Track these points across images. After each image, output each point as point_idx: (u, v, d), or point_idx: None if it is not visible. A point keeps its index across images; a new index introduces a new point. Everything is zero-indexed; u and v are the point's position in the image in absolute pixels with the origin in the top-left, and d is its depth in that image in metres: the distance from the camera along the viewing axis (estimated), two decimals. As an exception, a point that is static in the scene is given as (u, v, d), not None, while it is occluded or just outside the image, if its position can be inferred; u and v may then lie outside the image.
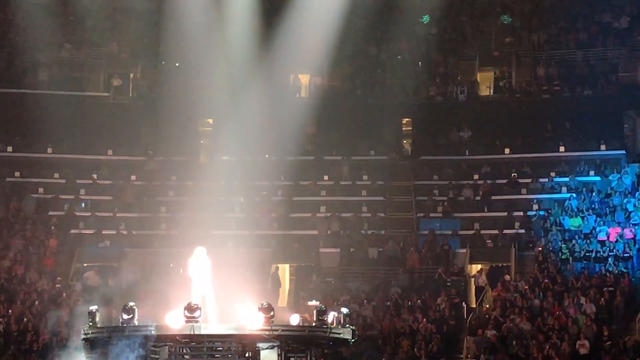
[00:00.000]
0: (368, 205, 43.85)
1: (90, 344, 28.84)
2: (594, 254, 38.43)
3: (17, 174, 44.73)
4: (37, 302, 36.43)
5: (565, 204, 41.85)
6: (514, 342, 33.84)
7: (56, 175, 44.64)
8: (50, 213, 42.92)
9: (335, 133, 42.95)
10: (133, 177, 44.75)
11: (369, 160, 45.52)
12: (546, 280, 37.06)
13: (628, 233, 39.07)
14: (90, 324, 27.88)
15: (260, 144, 44.22)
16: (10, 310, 35.86)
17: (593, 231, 39.86)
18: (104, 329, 27.79)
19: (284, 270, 39.96)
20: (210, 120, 46.50)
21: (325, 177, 44.94)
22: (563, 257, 38.61)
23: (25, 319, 35.19)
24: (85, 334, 28.19)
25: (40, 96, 43.57)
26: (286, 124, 43.68)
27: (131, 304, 27.25)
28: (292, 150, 44.54)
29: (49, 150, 45.14)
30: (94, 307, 28.18)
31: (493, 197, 43.54)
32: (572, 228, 40.45)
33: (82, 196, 44.02)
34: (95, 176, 44.72)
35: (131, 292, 30.63)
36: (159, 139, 44.45)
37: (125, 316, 26.88)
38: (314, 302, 31.63)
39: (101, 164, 45.36)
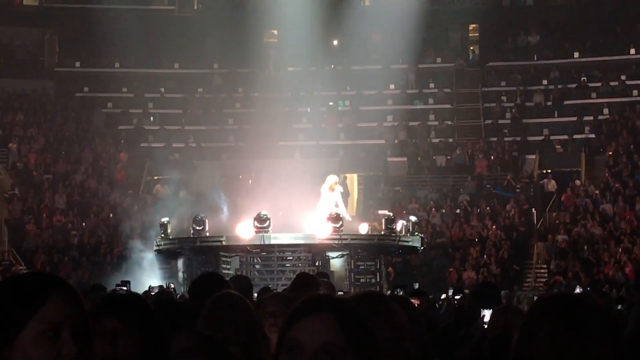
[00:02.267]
0: (435, 113, 43.61)
1: (163, 255, 29.38)
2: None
3: (85, 89, 45.18)
4: (110, 215, 37.06)
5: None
6: (585, 247, 33.69)
7: (124, 89, 45.01)
8: (120, 127, 43.40)
9: (400, 41, 42.50)
10: (200, 90, 44.95)
11: (436, 67, 45.14)
12: (617, 185, 36.69)
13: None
14: (162, 235, 28.34)
15: (326, 54, 44.03)
16: (84, 223, 36.55)
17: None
18: (175, 241, 28.24)
19: (352, 180, 40.02)
20: (275, 31, 46.32)
21: (392, 86, 44.68)
22: (635, 161, 38.12)
23: (99, 232, 35.85)
24: (158, 245, 28.69)
25: (106, 11, 43.69)
26: (351, 32, 43.38)
27: (202, 215, 27.61)
28: (357, 59, 44.29)
29: (116, 64, 45.45)
30: (165, 219, 28.63)
31: (563, 102, 43.00)
32: (644, 131, 39.87)
33: (151, 110, 44.38)
34: (162, 89, 44.99)
35: (201, 204, 30.93)
36: (224, 51, 44.45)
37: (196, 227, 27.27)
38: (382, 211, 31.69)
39: (168, 77, 45.58)
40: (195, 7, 47.34)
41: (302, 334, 2.72)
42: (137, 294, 4.03)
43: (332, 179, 28.31)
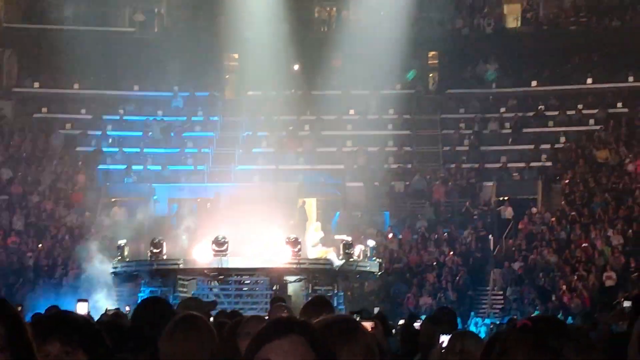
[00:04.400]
0: (394, 139, 43.82)
1: (120, 277, 29.23)
2: (621, 186, 38.32)
3: (44, 109, 44.93)
4: (66, 237, 36.82)
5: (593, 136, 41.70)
6: (540, 275, 33.95)
7: (83, 111, 44.81)
8: (78, 149, 43.16)
9: (360, 67, 42.73)
10: (160, 112, 44.86)
11: (395, 94, 45.38)
12: (573, 213, 37.05)
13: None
14: (119, 258, 28.22)
15: (286, 79, 44.15)
16: (40, 245, 36.28)
17: (620, 163, 39.70)
18: (132, 263, 28.12)
19: (311, 205, 40.08)
20: (236, 55, 46.41)
21: (351, 111, 44.86)
22: (590, 189, 38.52)
23: (55, 254, 35.60)
24: (115, 268, 28.55)
25: (66, 32, 43.55)
26: (312, 58, 43.56)
27: (159, 238, 27.53)
28: (317, 84, 44.46)
29: (76, 86, 45.25)
30: (122, 242, 28.51)
31: (520, 130, 43.37)
32: (600, 160, 40.30)
33: (109, 132, 44.21)
34: (122, 112, 44.85)
35: (159, 228, 30.83)
36: (184, 74, 44.44)
37: (153, 250, 27.18)
38: (340, 236, 31.76)
39: (128, 100, 45.46)
40: (156, 30, 47.29)
41: (273, 355, 2.73)
42: (82, 316, 3.95)
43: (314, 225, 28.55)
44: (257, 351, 2.75)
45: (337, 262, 27.61)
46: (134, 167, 41.96)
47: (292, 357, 2.72)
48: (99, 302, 27.31)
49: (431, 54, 47.32)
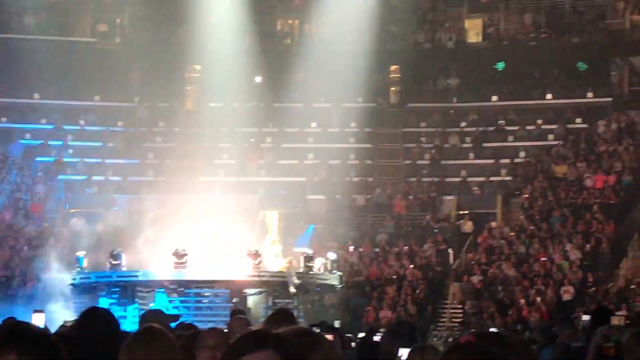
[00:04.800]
0: (356, 152, 43.93)
1: (78, 289, 29.06)
2: (579, 201, 38.64)
3: (4, 119, 44.60)
4: (25, 247, 36.54)
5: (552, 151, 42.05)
6: (499, 288, 34.14)
7: (43, 121, 44.54)
8: (38, 159, 42.87)
9: (322, 80, 42.83)
10: (120, 123, 44.69)
11: (357, 107, 45.51)
12: (532, 227, 37.31)
13: (612, 180, 39.29)
14: (79, 269, 28.06)
15: (248, 91, 44.15)
16: (-2, 256, 35.98)
17: (579, 178, 40.05)
18: (91, 275, 27.98)
19: (272, 217, 40.05)
20: (198, 67, 46.35)
21: (313, 124, 44.94)
22: (549, 204, 38.82)
23: (12, 265, 35.31)
24: (74, 279, 28.40)
25: (26, 41, 43.31)
26: (274, 70, 43.62)
27: (119, 249, 27.43)
28: (280, 96, 44.50)
29: (36, 95, 44.97)
30: (81, 253, 28.36)
31: (481, 145, 43.64)
32: (559, 175, 40.63)
33: (70, 142, 43.96)
34: (82, 122, 44.63)
35: (119, 238, 30.70)
36: (146, 85, 44.31)
37: (112, 262, 27.07)
38: (301, 249, 31.79)
39: (89, 110, 45.24)
40: (118, 40, 47.11)
41: None
42: (39, 327, 3.90)
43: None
44: None
45: (293, 285, 27.59)
46: (95, 178, 41.77)
47: None
48: (57, 313, 27.12)
49: (393, 67, 47.51)
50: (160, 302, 26.68)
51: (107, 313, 6.41)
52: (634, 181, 38.93)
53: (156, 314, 9.25)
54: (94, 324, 5.93)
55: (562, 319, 13.85)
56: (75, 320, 6.40)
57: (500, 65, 44.86)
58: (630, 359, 7.15)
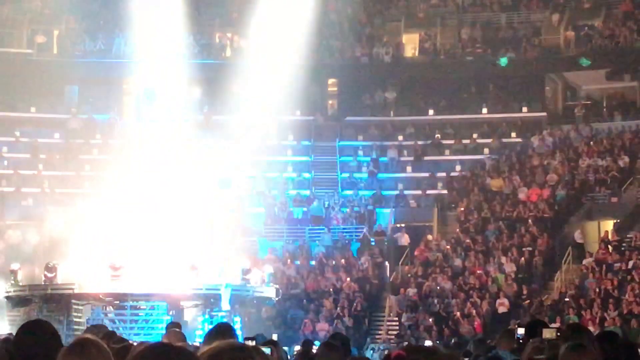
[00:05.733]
0: (293, 165, 44.02)
1: (12, 302, 28.76)
2: (514, 214, 39.07)
3: (-63, 130, 44.03)
4: (-42, 261, 36.06)
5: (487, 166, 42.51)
6: (435, 301, 34.40)
7: (-23, 132, 44.02)
8: (-28, 171, 42.38)
9: (260, 93, 42.86)
10: (56, 135, 44.31)
11: (294, 120, 45.61)
12: (468, 240, 37.66)
13: (546, 194, 39.80)
14: (12, 282, 27.78)
15: (186, 103, 44.00)
16: None
17: (514, 192, 40.50)
18: (26, 287, 27.72)
19: (211, 228, 39.93)
20: (135, 78, 46.06)
21: (251, 137, 44.86)
22: (484, 217, 39.20)
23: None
24: (7, 292, 28.10)
25: (-38, 52, 42.83)
26: (212, 83, 43.56)
27: (54, 262, 27.21)
28: (218, 109, 44.42)
29: (-30, 107, 44.46)
30: (15, 266, 28.08)
31: (417, 158, 43.97)
32: (494, 189, 41.05)
33: (4, 154, 43.47)
34: (17, 133, 44.18)
35: (54, 251, 30.45)
36: (83, 97, 44.00)
37: (47, 274, 26.85)
38: (238, 262, 31.76)
39: (24, 121, 44.80)
40: (55, 52, 46.75)
41: None
42: None
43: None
44: None
45: (227, 301, 27.59)
46: (29, 190, 41.34)
47: None
48: (-9, 326, 26.82)
49: (331, 81, 47.74)
50: (95, 316, 26.52)
51: (48, 325, 6.41)
52: (568, 195, 39.49)
53: (98, 328, 9.27)
54: (35, 337, 5.93)
55: (504, 331, 14.01)
56: (14, 333, 6.37)
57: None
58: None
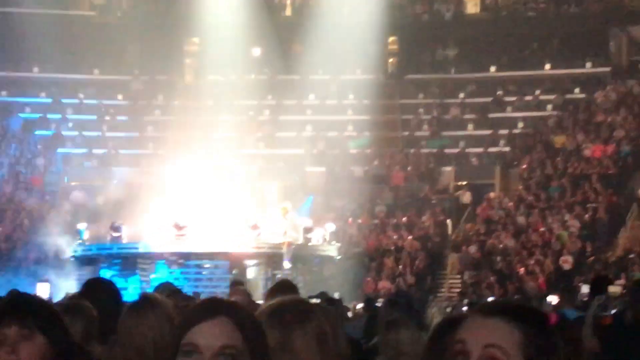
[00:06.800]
0: (354, 124, 43.98)
1: (79, 261, 29.23)
2: (578, 171, 38.73)
3: (3, 93, 44.64)
4: (25, 221, 36.68)
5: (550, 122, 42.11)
6: (498, 259, 34.31)
7: (43, 94, 44.58)
8: (37, 132, 42.95)
9: (320, 52, 42.82)
10: (119, 96, 44.72)
11: (355, 79, 45.51)
12: (530, 198, 37.43)
13: (610, 150, 39.38)
14: (79, 242, 28.21)
15: (247, 63, 44.15)
16: (-1, 229, 36.14)
17: (577, 148, 40.13)
18: (92, 247, 28.13)
19: (271, 189, 40.15)
20: (197, 39, 46.31)
21: (311, 96, 44.95)
22: (547, 174, 38.91)
23: (14, 237, 35.46)
24: (75, 252, 28.55)
25: (25, 15, 43.25)
26: (272, 42, 43.58)
27: (119, 222, 27.57)
28: (278, 69, 44.49)
29: (35, 69, 44.97)
30: (82, 226, 28.50)
31: (478, 116, 43.70)
32: (557, 145, 40.69)
33: (69, 115, 44.02)
34: (82, 95, 44.67)
35: (119, 211, 30.83)
36: (145, 58, 44.30)
37: (113, 234, 27.22)
38: (300, 219, 31.92)
39: (87, 83, 45.27)
40: (117, 13, 47.05)
41: (200, 337, 2.70)
42: (41, 298, 3.86)
43: (284, 205, 28.42)
44: (183, 335, 2.72)
45: (288, 260, 27.70)
46: (94, 151, 41.85)
47: (219, 339, 2.70)
48: (59, 285, 27.30)
49: (391, 39, 47.48)
50: (161, 274, 26.86)
51: (109, 284, 6.52)
52: (633, 151, 39.01)
53: (166, 286, 9.41)
54: (97, 294, 6.03)
55: (563, 288, 13.98)
56: (78, 291, 6.49)
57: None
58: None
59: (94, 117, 43.90)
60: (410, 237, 36.09)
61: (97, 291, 6.19)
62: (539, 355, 2.57)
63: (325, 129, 43.24)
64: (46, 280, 20.95)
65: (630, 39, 46.03)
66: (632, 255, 33.25)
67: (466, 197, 39.09)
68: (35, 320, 3.55)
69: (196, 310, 2.79)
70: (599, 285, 11.55)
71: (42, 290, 17.27)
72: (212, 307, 2.78)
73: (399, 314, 7.70)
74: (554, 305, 16.12)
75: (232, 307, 2.79)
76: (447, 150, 42.32)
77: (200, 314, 2.75)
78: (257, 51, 45.83)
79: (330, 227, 30.11)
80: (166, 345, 4.93)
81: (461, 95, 44.99)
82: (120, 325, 5.09)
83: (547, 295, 27.01)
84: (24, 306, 3.62)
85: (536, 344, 2.57)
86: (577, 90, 43.93)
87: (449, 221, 37.83)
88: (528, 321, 2.61)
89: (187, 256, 27.18)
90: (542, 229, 35.39)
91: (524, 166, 39.84)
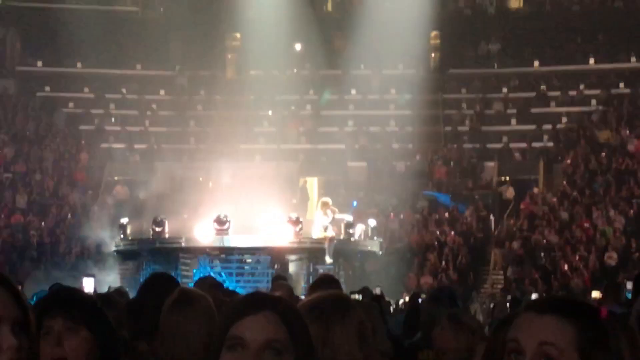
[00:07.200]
0: (396, 119, 43.85)
1: (122, 255, 29.37)
2: (623, 166, 38.37)
3: (47, 88, 45.00)
4: (69, 215, 36.95)
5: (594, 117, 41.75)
6: (541, 254, 34.05)
7: (86, 89, 44.88)
8: (81, 127, 43.26)
9: (362, 46, 42.73)
10: (162, 92, 44.93)
11: (397, 73, 45.39)
12: (574, 193, 37.12)
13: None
14: (122, 236, 28.34)
15: (288, 58, 44.18)
16: (43, 223, 36.40)
17: (622, 143, 39.74)
18: (135, 242, 28.25)
19: (312, 184, 40.16)
20: (239, 35, 46.39)
21: (353, 91, 44.88)
22: (592, 169, 38.59)
23: (57, 232, 35.73)
24: (117, 246, 28.69)
25: (69, 10, 43.56)
26: (314, 37, 43.56)
27: (161, 216, 27.66)
28: (319, 63, 44.47)
29: (78, 64, 45.29)
30: (125, 220, 28.63)
31: (522, 111, 43.41)
32: (601, 140, 40.33)
33: (112, 110, 44.29)
34: (124, 90, 44.92)
35: (161, 205, 30.94)
36: (187, 54, 44.45)
37: (155, 229, 27.30)
38: (341, 216, 31.86)
39: (130, 79, 45.51)
40: (159, 9, 47.26)
41: (246, 331, 2.71)
42: (85, 292, 3.89)
43: (324, 200, 28.35)
44: (228, 329, 2.74)
45: (329, 255, 27.62)
46: (136, 146, 42.06)
47: (265, 333, 2.71)
48: (102, 280, 27.45)
49: (433, 33, 47.27)
50: (202, 269, 26.92)
51: (171, 280, 6.47)
52: (678, 146, 38.59)
53: (206, 280, 9.39)
54: (156, 290, 5.98)
55: (607, 284, 13.78)
56: (140, 285, 6.46)
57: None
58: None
59: (137, 112, 44.14)
60: (452, 233, 35.92)
61: (157, 286, 6.12)
62: (592, 349, 2.58)
63: (367, 124, 43.16)
64: (92, 275, 21.06)
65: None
66: (677, 252, 32.89)
67: (509, 193, 38.85)
68: (81, 314, 3.58)
69: (241, 304, 2.78)
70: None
71: (88, 285, 17.34)
72: (257, 302, 2.78)
73: (441, 310, 7.62)
74: (597, 302, 15.94)
75: (277, 302, 2.79)
76: (489, 145, 42.08)
77: (245, 308, 2.76)
78: (298, 46, 45.84)
79: (372, 222, 29.98)
80: (209, 340, 4.89)
81: (504, 90, 44.70)
82: (162, 320, 5.06)
83: (591, 291, 26.81)
84: (69, 300, 3.66)
85: (589, 338, 2.59)
86: (621, 84, 43.50)
87: (491, 216, 37.61)
88: (581, 317, 2.61)
89: (228, 251, 27.21)
90: (586, 225, 35.08)
91: (568, 161, 39.51)
